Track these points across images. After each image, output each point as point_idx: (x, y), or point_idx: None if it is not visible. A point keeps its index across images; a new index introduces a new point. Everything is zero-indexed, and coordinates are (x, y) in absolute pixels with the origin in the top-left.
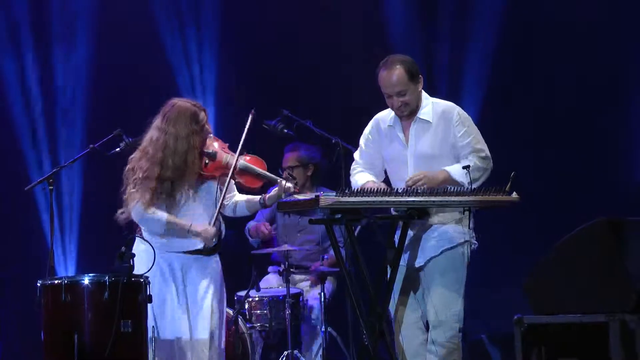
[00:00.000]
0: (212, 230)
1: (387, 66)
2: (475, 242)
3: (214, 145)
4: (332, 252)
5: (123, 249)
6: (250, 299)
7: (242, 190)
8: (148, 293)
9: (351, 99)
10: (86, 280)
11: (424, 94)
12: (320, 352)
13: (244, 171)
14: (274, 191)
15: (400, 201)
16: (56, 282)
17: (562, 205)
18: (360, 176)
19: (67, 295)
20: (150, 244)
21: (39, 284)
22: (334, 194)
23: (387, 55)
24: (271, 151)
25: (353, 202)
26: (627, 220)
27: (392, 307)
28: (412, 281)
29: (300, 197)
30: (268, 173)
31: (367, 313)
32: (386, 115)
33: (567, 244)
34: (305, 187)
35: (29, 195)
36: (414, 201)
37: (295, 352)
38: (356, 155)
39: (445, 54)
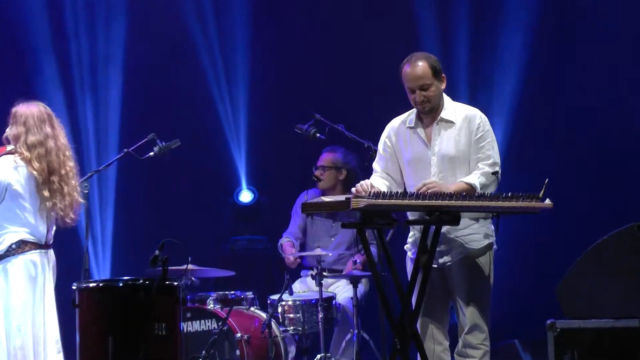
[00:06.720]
0: None
1: (411, 61)
2: (495, 244)
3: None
4: (364, 255)
5: (157, 252)
6: (284, 303)
7: None
8: (182, 296)
9: (385, 103)
10: (120, 284)
11: (447, 98)
12: (353, 356)
13: None
14: None
15: (433, 204)
16: (91, 285)
17: (597, 210)
18: (373, 180)
19: (102, 298)
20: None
21: (74, 287)
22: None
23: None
24: (303, 155)
25: (386, 204)
26: None
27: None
28: (436, 284)
29: (328, 198)
30: None
31: (398, 316)
32: (405, 118)
33: (600, 248)
34: (336, 191)
35: None
36: (447, 205)
37: (328, 355)
38: (375, 162)
39: (482, 54)
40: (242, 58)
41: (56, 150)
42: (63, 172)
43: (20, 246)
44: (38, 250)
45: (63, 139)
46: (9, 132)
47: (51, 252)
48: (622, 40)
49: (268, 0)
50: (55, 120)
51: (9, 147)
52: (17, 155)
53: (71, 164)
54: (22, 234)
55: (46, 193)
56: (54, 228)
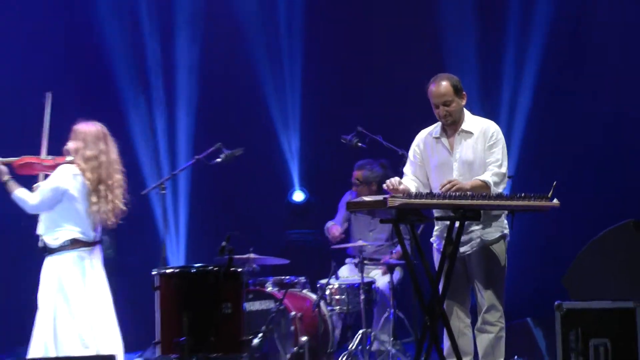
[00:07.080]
0: None
1: (436, 81)
2: (509, 236)
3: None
4: (399, 247)
5: (224, 243)
6: (331, 286)
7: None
8: (245, 280)
9: (416, 117)
10: (193, 270)
11: (467, 112)
12: (390, 331)
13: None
14: None
15: (458, 203)
16: (168, 271)
17: (598, 207)
18: (405, 180)
19: (178, 282)
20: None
21: (154, 273)
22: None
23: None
24: (347, 161)
25: (418, 203)
26: None
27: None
28: (458, 271)
29: (368, 198)
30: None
31: (428, 298)
32: (431, 130)
33: (599, 242)
34: None
35: (145, 198)
36: (470, 204)
37: (369, 330)
38: (406, 167)
39: (501, 62)
40: (295, 75)
41: (107, 164)
42: (110, 182)
43: (73, 243)
44: (86, 248)
45: (114, 155)
46: (70, 145)
47: (97, 248)
48: (629, 46)
49: (322, 21)
50: (110, 139)
51: (68, 158)
52: (75, 165)
53: (118, 176)
54: (75, 233)
55: (94, 199)
56: (100, 229)
